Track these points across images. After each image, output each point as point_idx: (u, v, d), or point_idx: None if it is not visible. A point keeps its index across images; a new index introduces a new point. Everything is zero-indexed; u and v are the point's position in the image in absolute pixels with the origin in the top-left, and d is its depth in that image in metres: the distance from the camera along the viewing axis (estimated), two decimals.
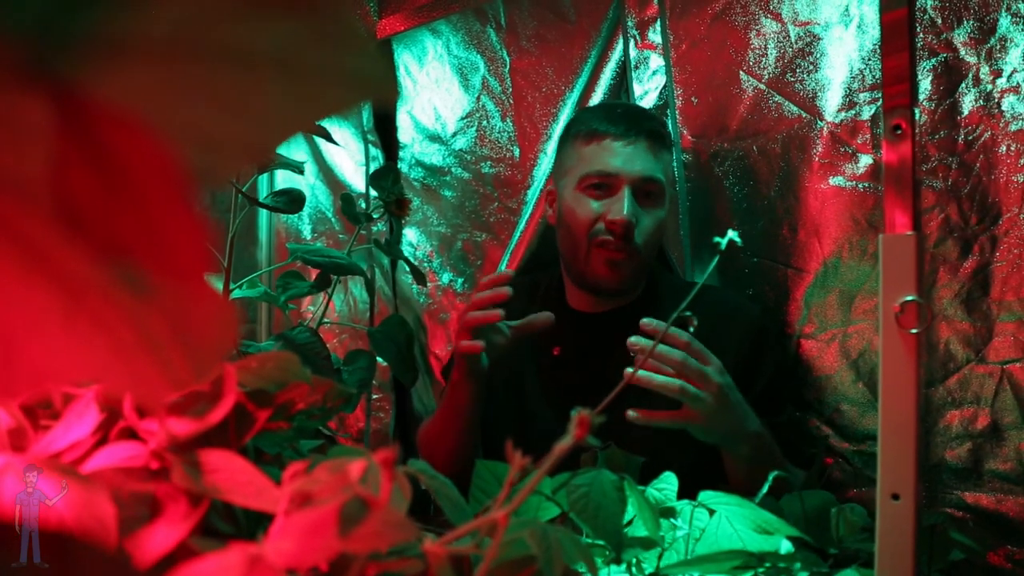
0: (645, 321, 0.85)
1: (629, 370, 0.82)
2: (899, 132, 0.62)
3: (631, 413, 0.88)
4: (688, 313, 0.52)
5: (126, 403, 0.41)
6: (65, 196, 0.14)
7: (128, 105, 0.14)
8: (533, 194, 1.56)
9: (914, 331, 0.58)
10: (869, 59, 1.14)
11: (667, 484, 0.65)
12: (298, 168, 1.12)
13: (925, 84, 1.07)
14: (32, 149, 0.13)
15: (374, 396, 1.75)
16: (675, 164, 1.35)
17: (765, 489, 0.66)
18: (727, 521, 0.61)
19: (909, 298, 0.58)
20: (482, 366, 1.10)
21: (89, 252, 0.16)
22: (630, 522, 0.61)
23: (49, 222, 0.15)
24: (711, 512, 0.62)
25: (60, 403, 0.42)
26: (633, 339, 0.85)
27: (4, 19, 0.13)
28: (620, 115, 1.17)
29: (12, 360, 0.21)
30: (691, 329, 0.53)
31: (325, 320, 1.33)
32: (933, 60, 1.07)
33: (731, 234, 0.57)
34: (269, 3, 0.14)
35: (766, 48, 1.24)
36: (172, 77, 0.14)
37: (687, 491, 0.68)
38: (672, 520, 0.61)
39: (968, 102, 1.05)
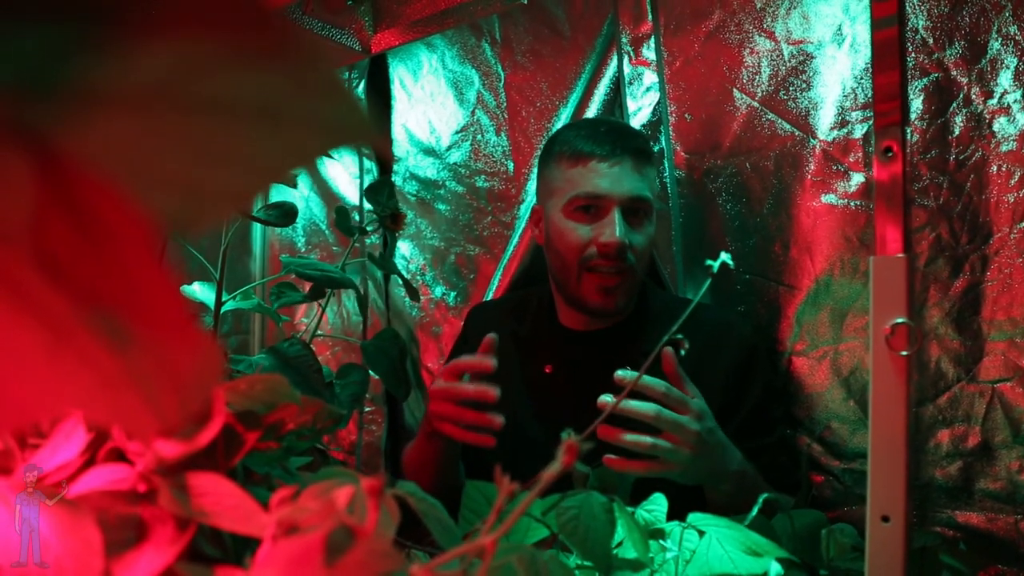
0: (619, 375, 0.82)
1: (605, 397, 0.81)
2: (890, 154, 0.62)
3: (610, 455, 0.86)
4: (680, 336, 0.52)
5: (112, 425, 0.41)
6: (47, 248, 0.14)
7: (110, 157, 0.14)
8: (526, 208, 1.56)
9: (904, 353, 0.58)
10: (861, 78, 1.15)
11: (657, 505, 0.65)
12: (291, 181, 1.12)
13: (917, 103, 1.08)
14: (16, 199, 0.13)
15: (366, 409, 1.75)
16: (668, 180, 1.35)
17: (755, 511, 0.66)
18: (717, 543, 0.61)
19: (899, 320, 0.58)
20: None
21: (72, 300, 0.16)
22: (619, 543, 0.60)
23: (32, 267, 0.15)
24: (701, 533, 0.62)
25: (47, 424, 0.41)
26: (620, 373, 0.83)
27: None
28: (604, 134, 1.15)
29: None
30: (682, 352, 0.53)
31: (318, 332, 1.33)
32: (925, 80, 1.08)
33: (723, 256, 0.57)
34: (250, 54, 0.14)
35: (759, 66, 1.25)
36: (154, 128, 0.14)
37: (678, 511, 0.67)
38: (662, 542, 0.61)
39: (959, 122, 1.06)
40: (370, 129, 0.16)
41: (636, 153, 1.14)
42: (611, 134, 1.16)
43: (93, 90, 0.14)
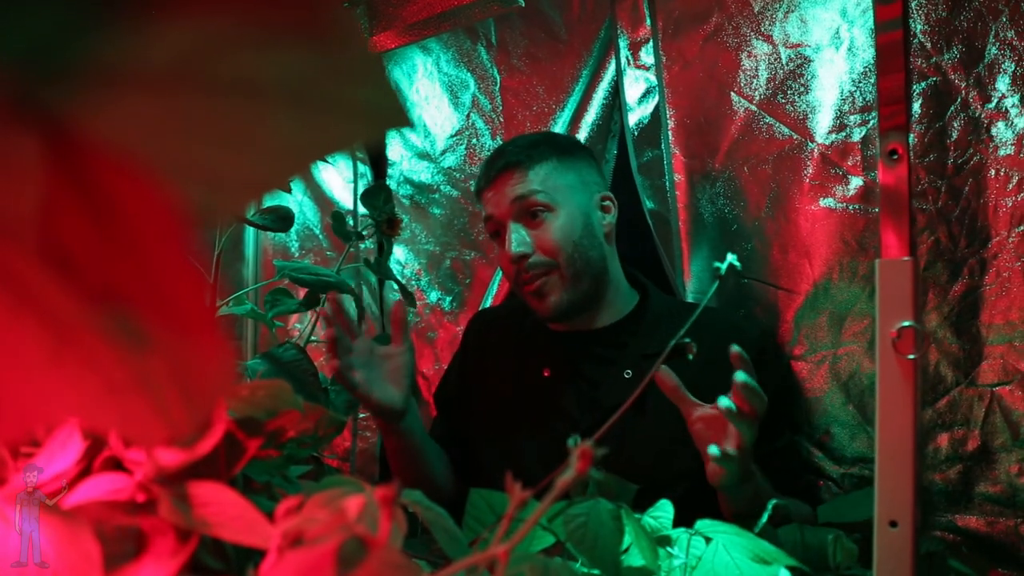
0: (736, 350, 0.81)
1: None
2: (895, 157, 0.62)
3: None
4: (687, 340, 0.51)
5: (112, 432, 0.40)
6: (56, 238, 0.13)
7: (126, 140, 0.13)
8: None
9: (911, 356, 0.57)
10: (860, 82, 1.14)
11: (663, 512, 0.64)
12: (286, 186, 1.11)
13: (915, 107, 1.08)
14: (22, 187, 0.12)
15: (360, 416, 1.73)
16: (667, 184, 1.34)
17: (764, 519, 0.65)
18: (724, 550, 0.60)
19: (906, 323, 0.57)
20: (396, 411, 1.09)
21: (82, 296, 0.14)
22: (626, 550, 0.59)
23: (39, 263, 0.14)
24: (708, 540, 0.61)
25: (43, 432, 0.40)
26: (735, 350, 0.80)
27: None
28: (487, 164, 1.23)
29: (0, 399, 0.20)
30: (690, 356, 0.52)
31: (312, 338, 1.32)
32: (923, 84, 1.08)
33: (730, 258, 0.56)
34: (278, 33, 0.13)
35: (757, 70, 1.24)
36: (174, 110, 0.13)
37: (681, 519, 0.66)
38: (668, 549, 0.60)
39: (957, 126, 1.05)
40: (405, 115, 0.15)
41: (509, 166, 1.18)
42: (492, 161, 1.22)
43: (110, 68, 0.13)
